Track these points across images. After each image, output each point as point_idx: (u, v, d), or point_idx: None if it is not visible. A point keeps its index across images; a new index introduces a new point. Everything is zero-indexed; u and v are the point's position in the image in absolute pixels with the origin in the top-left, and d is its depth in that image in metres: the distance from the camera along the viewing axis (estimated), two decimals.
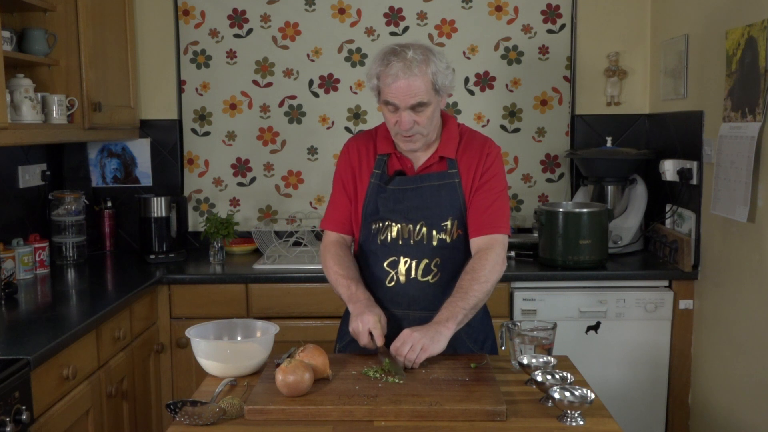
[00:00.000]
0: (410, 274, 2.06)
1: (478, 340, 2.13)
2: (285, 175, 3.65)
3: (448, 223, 2.06)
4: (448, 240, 2.06)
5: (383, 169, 2.10)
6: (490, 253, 2.00)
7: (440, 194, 2.06)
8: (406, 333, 1.86)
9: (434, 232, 2.05)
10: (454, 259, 2.05)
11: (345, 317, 2.21)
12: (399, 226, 2.06)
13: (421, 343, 1.83)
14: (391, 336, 1.93)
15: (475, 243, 2.05)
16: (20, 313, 2.50)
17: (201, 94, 3.61)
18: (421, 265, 2.05)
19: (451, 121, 2.13)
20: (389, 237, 2.07)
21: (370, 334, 1.92)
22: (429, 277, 2.06)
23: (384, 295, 2.07)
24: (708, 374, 2.88)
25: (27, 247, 2.95)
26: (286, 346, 2.04)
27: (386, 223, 2.08)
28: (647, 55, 3.52)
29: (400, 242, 2.06)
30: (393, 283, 2.07)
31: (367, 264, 2.12)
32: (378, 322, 1.92)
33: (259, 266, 3.14)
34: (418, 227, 2.06)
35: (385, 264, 2.08)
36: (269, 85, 3.60)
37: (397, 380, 1.79)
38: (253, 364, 1.91)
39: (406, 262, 2.06)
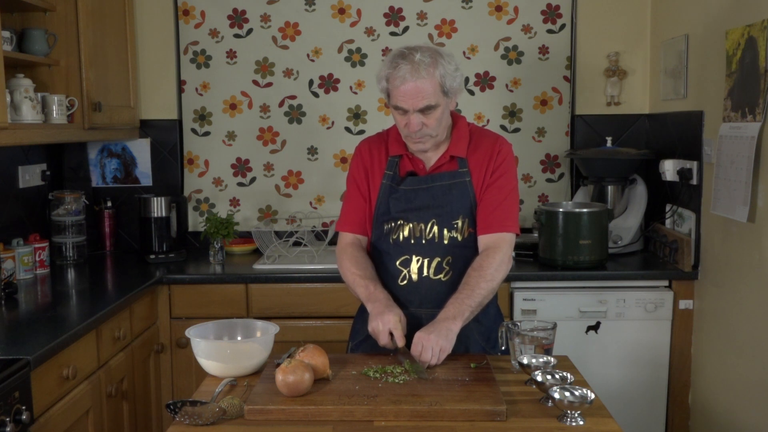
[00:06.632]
0: (422, 273, 2.07)
1: (491, 339, 2.14)
2: (285, 175, 3.65)
3: (459, 221, 2.07)
4: (460, 238, 2.07)
5: (395, 171, 2.12)
6: (497, 252, 2.02)
7: (451, 193, 2.07)
8: (422, 337, 1.87)
9: (445, 231, 2.07)
10: (466, 258, 2.06)
11: (358, 316, 2.23)
12: (410, 225, 2.08)
13: (439, 345, 1.85)
14: (406, 335, 1.93)
15: (483, 240, 2.06)
16: (20, 313, 2.50)
17: (201, 94, 3.61)
18: (433, 264, 2.07)
19: (461, 120, 2.15)
20: (401, 236, 2.08)
21: (390, 334, 1.93)
22: (441, 276, 2.07)
23: (396, 293, 2.08)
24: (708, 374, 2.88)
25: (27, 247, 2.95)
26: (286, 346, 2.04)
27: (398, 223, 2.09)
28: (647, 55, 3.52)
29: (412, 241, 2.08)
30: (405, 282, 2.08)
31: (379, 263, 2.13)
32: (399, 322, 1.93)
33: (259, 266, 3.14)
34: (429, 226, 2.07)
35: (397, 263, 2.09)
36: (269, 85, 3.60)
37: (399, 380, 1.80)
38: (253, 364, 1.91)
39: (418, 261, 2.07)
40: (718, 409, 2.79)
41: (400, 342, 1.92)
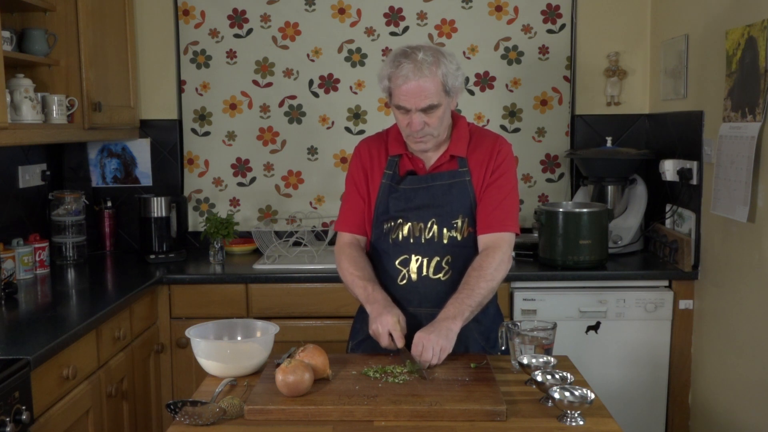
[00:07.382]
0: (422, 272, 2.07)
1: (490, 339, 2.14)
2: (285, 175, 3.65)
3: (459, 221, 2.07)
4: (459, 238, 2.07)
5: (395, 170, 2.12)
6: (497, 252, 2.02)
7: (451, 192, 2.07)
8: (422, 337, 1.87)
9: (445, 230, 2.07)
10: (466, 257, 2.06)
11: (358, 316, 2.23)
12: (410, 224, 2.08)
13: (439, 345, 1.85)
14: (407, 335, 1.94)
15: (483, 240, 2.06)
16: (20, 313, 2.50)
17: (201, 94, 3.61)
18: (433, 263, 2.07)
19: (462, 120, 2.15)
20: (400, 236, 2.09)
21: (390, 335, 1.93)
22: (440, 275, 2.07)
23: (396, 293, 2.08)
24: (708, 374, 2.88)
25: (27, 247, 2.95)
26: (286, 346, 2.04)
27: (398, 222, 2.09)
28: (647, 55, 3.52)
29: (412, 240, 2.08)
30: (405, 281, 2.08)
31: (379, 263, 2.13)
32: (397, 323, 1.93)
33: (259, 266, 3.14)
34: (429, 225, 2.07)
35: (396, 262, 2.09)
36: (269, 85, 3.60)
37: (399, 380, 1.80)
38: (253, 364, 1.91)
39: (417, 260, 2.07)
40: (718, 409, 2.79)
41: (399, 343, 1.92)
